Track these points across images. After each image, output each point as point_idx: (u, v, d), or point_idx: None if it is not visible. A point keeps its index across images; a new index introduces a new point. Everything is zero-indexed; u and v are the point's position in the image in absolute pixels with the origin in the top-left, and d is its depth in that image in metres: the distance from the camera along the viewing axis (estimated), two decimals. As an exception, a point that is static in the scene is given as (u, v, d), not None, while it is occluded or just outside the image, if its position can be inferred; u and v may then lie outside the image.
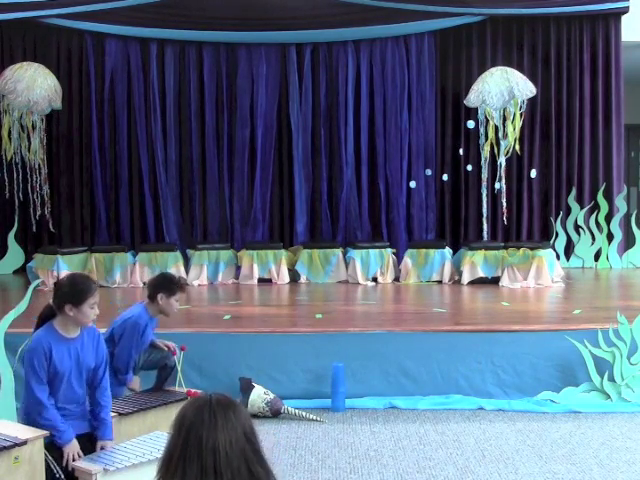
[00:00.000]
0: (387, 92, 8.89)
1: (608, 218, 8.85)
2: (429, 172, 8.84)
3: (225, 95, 8.91)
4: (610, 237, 8.87)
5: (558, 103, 8.93)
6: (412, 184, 8.79)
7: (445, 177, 8.84)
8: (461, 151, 8.76)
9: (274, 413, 4.52)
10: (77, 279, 3.38)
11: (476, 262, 7.61)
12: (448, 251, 7.96)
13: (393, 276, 7.95)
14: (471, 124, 8.39)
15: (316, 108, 8.92)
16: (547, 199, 8.98)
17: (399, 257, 8.11)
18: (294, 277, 8.00)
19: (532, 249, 7.56)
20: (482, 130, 8.46)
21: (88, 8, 8.45)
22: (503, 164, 8.51)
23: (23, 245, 8.77)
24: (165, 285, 4.27)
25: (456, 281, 7.75)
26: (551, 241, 8.65)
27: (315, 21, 8.63)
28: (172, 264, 7.75)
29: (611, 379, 4.76)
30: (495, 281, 7.54)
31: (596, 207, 8.87)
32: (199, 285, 7.77)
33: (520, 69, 8.53)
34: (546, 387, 4.82)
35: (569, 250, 8.93)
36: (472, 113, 8.54)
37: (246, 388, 4.57)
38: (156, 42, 8.82)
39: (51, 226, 8.73)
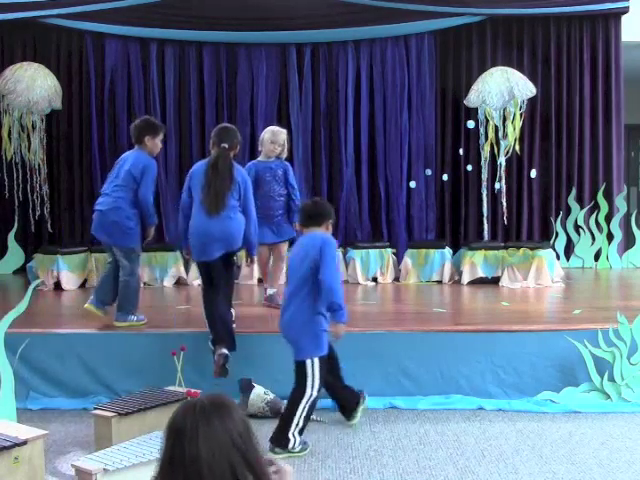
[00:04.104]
0: (387, 92, 8.89)
1: (608, 218, 8.84)
2: (429, 172, 8.84)
3: (225, 95, 8.90)
4: (610, 237, 8.87)
5: (558, 103, 8.93)
6: (412, 184, 8.79)
7: (445, 177, 8.83)
8: (461, 151, 8.76)
9: (274, 413, 4.51)
10: None
11: (476, 262, 7.61)
12: (448, 251, 7.96)
13: (393, 276, 7.94)
14: (471, 124, 8.39)
15: (316, 108, 8.92)
16: (547, 199, 8.97)
17: (399, 257, 8.11)
18: (294, 277, 7.99)
19: (532, 249, 7.56)
20: (482, 130, 8.46)
21: (88, 8, 8.44)
22: (503, 164, 8.52)
23: (23, 245, 8.76)
24: (152, 127, 5.22)
25: (456, 281, 7.75)
26: (551, 241, 8.66)
27: (315, 21, 8.62)
28: (172, 264, 7.75)
29: (611, 379, 4.76)
30: (495, 281, 7.53)
31: (596, 207, 8.87)
32: (199, 285, 7.74)
33: (520, 69, 8.53)
34: (546, 387, 4.82)
35: (569, 250, 8.93)
36: (472, 113, 8.54)
37: (246, 388, 4.57)
38: (156, 42, 8.81)
39: (49, 226, 8.73)
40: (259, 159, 6.07)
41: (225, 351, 4.58)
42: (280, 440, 3.90)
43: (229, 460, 1.65)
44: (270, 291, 6.00)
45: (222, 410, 1.71)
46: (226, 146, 4.78)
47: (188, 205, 4.87)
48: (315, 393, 3.97)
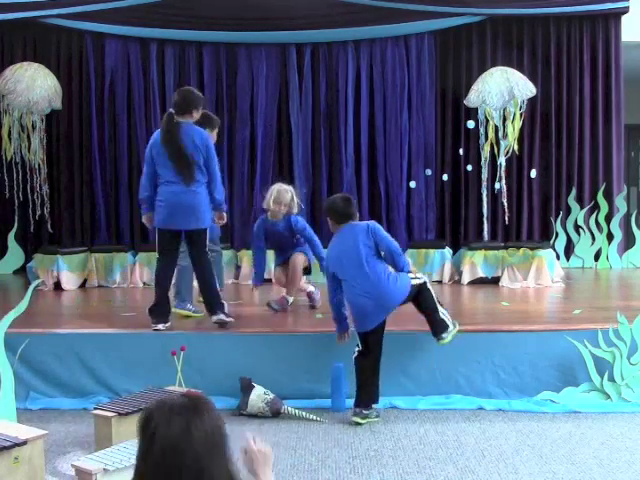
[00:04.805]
0: (387, 92, 8.89)
1: (608, 218, 8.84)
2: (429, 172, 8.84)
3: (225, 95, 8.91)
4: (610, 237, 8.87)
5: (558, 103, 8.92)
6: (412, 184, 8.79)
7: (445, 177, 8.84)
8: (461, 151, 8.76)
9: (274, 413, 4.52)
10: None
11: (476, 262, 7.61)
12: (448, 251, 7.96)
13: (393, 276, 7.93)
14: (471, 124, 8.39)
15: (316, 108, 8.92)
16: (547, 199, 8.97)
17: (399, 257, 8.09)
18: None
19: (532, 249, 7.56)
20: (482, 130, 8.46)
21: (88, 8, 8.45)
22: (503, 164, 8.52)
23: (23, 245, 8.77)
24: (211, 121, 5.65)
25: (456, 281, 7.75)
26: (551, 241, 8.66)
27: (315, 21, 8.62)
28: (172, 264, 7.73)
29: (611, 379, 4.76)
30: (495, 281, 7.53)
31: (596, 207, 8.87)
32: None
33: (520, 69, 8.53)
34: (546, 387, 4.81)
35: (569, 250, 8.93)
36: (472, 113, 8.54)
37: (246, 388, 4.57)
38: (156, 42, 8.82)
39: (49, 226, 8.74)
40: (267, 217, 5.89)
41: (161, 327, 5.01)
42: (440, 328, 4.52)
43: (178, 465, 1.64)
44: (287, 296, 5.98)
45: (189, 414, 1.69)
46: (172, 111, 4.98)
47: (153, 174, 5.04)
48: (426, 278, 4.69)
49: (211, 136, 5.46)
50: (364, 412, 4.40)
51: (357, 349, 4.51)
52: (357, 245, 4.47)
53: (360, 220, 4.82)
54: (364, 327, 4.47)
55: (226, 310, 5.18)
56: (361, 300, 4.42)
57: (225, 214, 5.31)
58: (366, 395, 4.43)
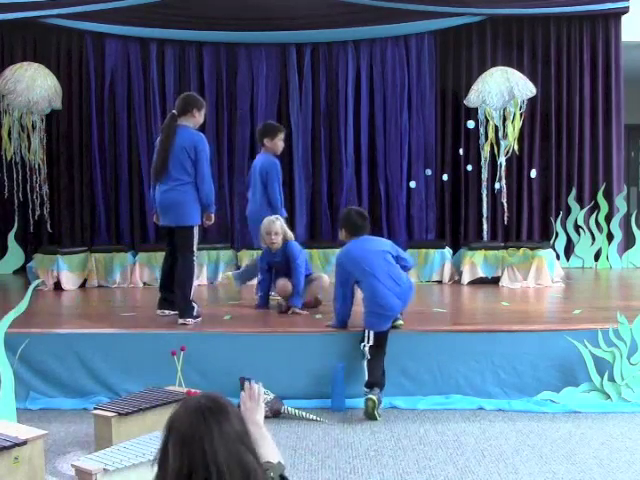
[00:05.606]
0: (387, 92, 8.90)
1: (608, 218, 8.85)
2: (429, 172, 8.85)
3: (225, 95, 8.91)
4: (610, 237, 8.87)
5: (558, 103, 8.93)
6: (412, 184, 8.80)
7: (445, 177, 8.84)
8: (461, 151, 8.76)
9: (274, 413, 4.51)
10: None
11: (476, 262, 7.61)
12: (448, 251, 7.96)
13: (393, 276, 7.93)
14: (471, 124, 8.39)
15: (316, 108, 8.93)
16: (547, 199, 8.97)
17: (399, 257, 8.09)
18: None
19: (532, 249, 7.56)
20: (482, 130, 8.47)
21: (88, 8, 8.45)
22: (503, 164, 8.52)
23: (23, 245, 8.77)
24: (269, 130, 6.17)
25: (456, 281, 7.75)
26: (551, 241, 8.66)
27: (315, 21, 8.63)
28: (172, 264, 7.73)
29: (611, 379, 4.76)
30: (495, 281, 7.53)
31: (596, 207, 8.87)
32: (199, 285, 7.74)
33: (520, 69, 8.54)
34: (546, 387, 4.81)
35: (569, 250, 8.93)
36: (472, 113, 8.54)
37: (246, 388, 4.57)
38: (156, 42, 8.82)
39: (49, 226, 8.74)
40: (269, 249, 5.99)
41: (168, 312, 5.48)
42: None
43: (239, 458, 1.66)
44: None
45: (224, 410, 1.72)
46: (174, 112, 5.28)
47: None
48: None
49: (274, 144, 6.17)
50: (375, 391, 4.49)
51: (367, 344, 4.65)
52: (384, 252, 4.79)
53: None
54: (386, 327, 4.72)
55: (195, 312, 5.34)
56: (393, 301, 4.69)
57: (213, 215, 5.47)
58: (375, 377, 4.56)
